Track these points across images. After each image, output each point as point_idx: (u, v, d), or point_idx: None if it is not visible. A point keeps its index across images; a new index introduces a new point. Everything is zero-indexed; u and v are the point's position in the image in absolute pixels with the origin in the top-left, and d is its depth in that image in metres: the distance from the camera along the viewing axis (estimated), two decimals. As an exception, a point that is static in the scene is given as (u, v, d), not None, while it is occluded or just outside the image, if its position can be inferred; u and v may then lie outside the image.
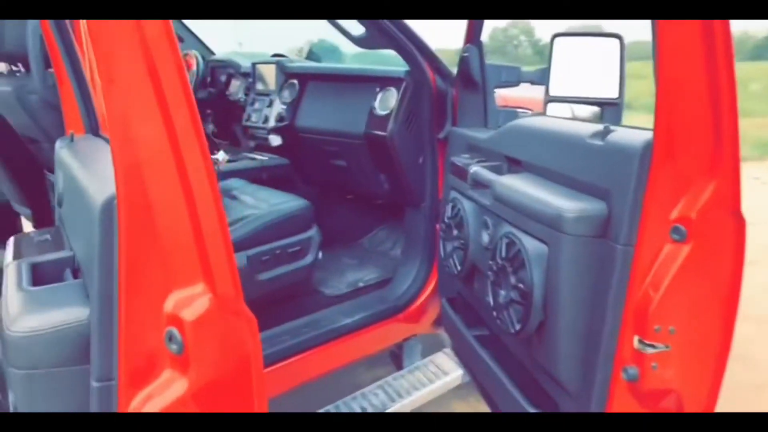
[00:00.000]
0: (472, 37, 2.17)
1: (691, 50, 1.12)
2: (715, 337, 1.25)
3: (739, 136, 1.15)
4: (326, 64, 3.19)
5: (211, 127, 3.33)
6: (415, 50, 2.31)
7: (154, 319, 0.73)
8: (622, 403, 1.29)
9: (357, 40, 2.34)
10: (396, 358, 2.65)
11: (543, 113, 2.29)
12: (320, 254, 2.97)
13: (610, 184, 1.31)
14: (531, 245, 1.44)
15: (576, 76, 2.34)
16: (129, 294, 0.72)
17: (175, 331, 0.73)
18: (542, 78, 2.25)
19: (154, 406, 0.72)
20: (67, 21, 1.36)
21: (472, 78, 2.20)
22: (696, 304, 1.23)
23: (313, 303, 2.42)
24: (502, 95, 3.57)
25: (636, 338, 1.26)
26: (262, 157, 3.02)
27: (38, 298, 0.90)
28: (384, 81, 2.53)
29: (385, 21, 2.19)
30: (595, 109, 2.20)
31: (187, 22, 3.48)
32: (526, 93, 2.81)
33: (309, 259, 2.35)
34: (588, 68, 2.33)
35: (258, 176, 2.83)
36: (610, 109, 2.18)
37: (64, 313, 0.83)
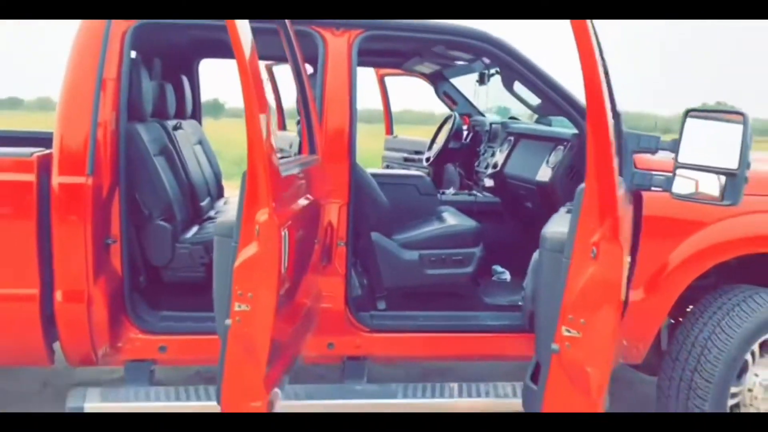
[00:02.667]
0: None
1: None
2: (607, 333, 1.63)
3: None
4: (529, 125, 3.85)
5: (458, 170, 4.31)
6: (579, 117, 2.87)
7: (254, 220, 1.74)
8: (555, 371, 1.76)
9: (534, 108, 3.03)
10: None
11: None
12: (508, 277, 3.62)
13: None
14: (534, 256, 1.99)
15: (702, 147, 2.62)
16: (246, 209, 1.75)
17: (257, 226, 1.73)
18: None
19: (246, 254, 1.72)
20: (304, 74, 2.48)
21: (610, 143, 2.66)
22: (599, 305, 1.64)
23: (470, 304, 3.10)
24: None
25: (563, 326, 1.73)
26: (480, 195, 3.84)
27: None
28: (558, 141, 3.12)
29: (551, 92, 2.81)
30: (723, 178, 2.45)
31: (460, 87, 4.54)
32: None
33: (470, 269, 3.07)
34: (714, 141, 2.61)
35: (469, 208, 3.65)
36: (730, 179, 2.44)
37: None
